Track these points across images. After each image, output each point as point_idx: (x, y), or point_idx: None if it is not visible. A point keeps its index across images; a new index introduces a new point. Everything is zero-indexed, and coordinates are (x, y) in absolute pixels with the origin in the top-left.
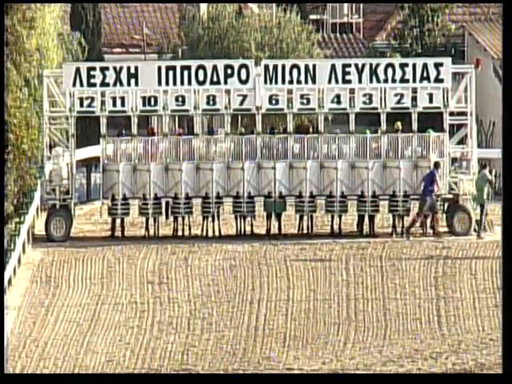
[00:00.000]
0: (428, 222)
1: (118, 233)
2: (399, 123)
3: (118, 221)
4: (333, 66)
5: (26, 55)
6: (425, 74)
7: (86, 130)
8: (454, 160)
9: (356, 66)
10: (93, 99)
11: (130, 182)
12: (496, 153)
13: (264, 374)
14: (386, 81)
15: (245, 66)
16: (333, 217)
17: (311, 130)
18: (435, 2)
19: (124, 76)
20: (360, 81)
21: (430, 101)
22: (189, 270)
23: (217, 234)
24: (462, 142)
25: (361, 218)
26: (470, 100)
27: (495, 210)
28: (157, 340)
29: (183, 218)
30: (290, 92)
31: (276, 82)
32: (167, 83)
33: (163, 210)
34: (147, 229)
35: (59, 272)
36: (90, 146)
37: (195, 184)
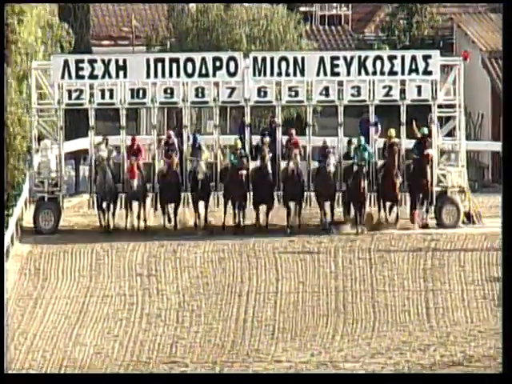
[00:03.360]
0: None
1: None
2: (393, 131)
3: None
4: (321, 59)
5: (18, 47)
6: (413, 67)
7: (75, 122)
8: (442, 152)
9: (344, 58)
10: (81, 91)
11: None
12: (484, 145)
13: (265, 373)
14: (374, 73)
15: (233, 58)
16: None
17: (295, 132)
18: (435, 3)
19: (112, 68)
20: (348, 73)
21: (419, 93)
22: (177, 262)
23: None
24: (450, 134)
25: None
26: (459, 92)
27: (483, 202)
28: (145, 332)
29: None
30: (278, 84)
31: (265, 75)
32: (156, 75)
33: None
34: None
35: (48, 264)
36: (78, 138)
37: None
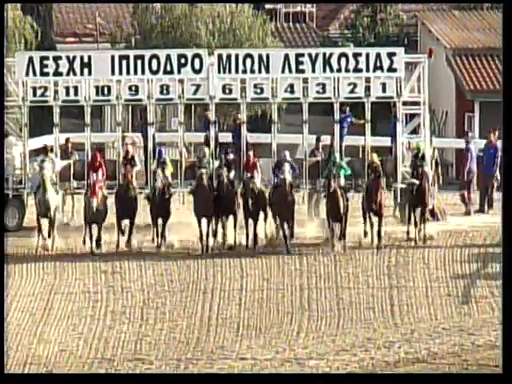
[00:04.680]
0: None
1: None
2: (375, 156)
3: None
4: (286, 56)
5: None
6: (378, 64)
7: (39, 119)
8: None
9: (309, 55)
10: (46, 89)
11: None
12: (448, 142)
13: (263, 373)
14: (339, 70)
15: (198, 55)
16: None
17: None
18: (435, 2)
19: (77, 65)
20: (313, 70)
21: (384, 90)
22: (142, 259)
23: None
24: (415, 131)
25: None
26: (423, 90)
27: (447, 199)
28: (110, 329)
29: None
30: (243, 81)
31: (229, 72)
32: (120, 73)
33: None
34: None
35: (11, 262)
36: (43, 135)
37: None
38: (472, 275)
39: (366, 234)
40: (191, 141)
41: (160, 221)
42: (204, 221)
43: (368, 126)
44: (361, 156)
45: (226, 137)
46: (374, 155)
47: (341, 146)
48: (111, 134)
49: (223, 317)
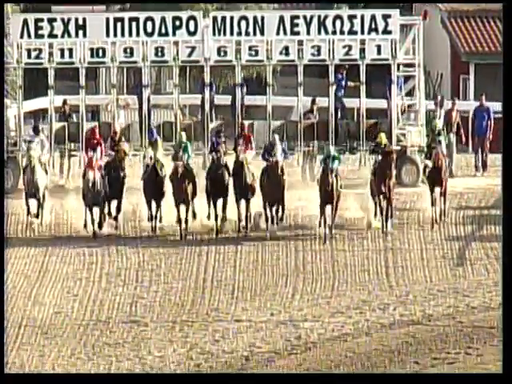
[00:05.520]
0: None
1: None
2: (383, 135)
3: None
4: (281, 18)
5: None
6: (373, 26)
7: (34, 81)
8: (402, 111)
9: (304, 17)
10: (40, 51)
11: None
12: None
13: (263, 373)
14: (334, 32)
15: (193, 17)
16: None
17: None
18: (434, 2)
19: (72, 27)
20: (308, 32)
21: (378, 52)
22: (137, 221)
23: None
24: (410, 93)
25: None
26: (418, 52)
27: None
28: (105, 292)
29: None
30: (238, 44)
31: (224, 34)
32: (115, 35)
33: None
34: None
35: (6, 223)
36: (37, 97)
37: None
38: (467, 237)
39: (375, 215)
40: (186, 103)
41: (154, 203)
42: (182, 206)
43: (363, 88)
44: (355, 118)
45: (222, 99)
46: (383, 135)
47: (336, 108)
48: (106, 97)
49: (218, 279)
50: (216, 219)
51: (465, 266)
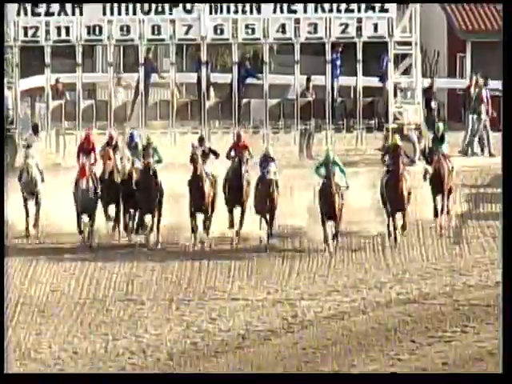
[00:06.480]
0: None
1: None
2: (397, 137)
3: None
4: None
5: None
6: (369, 4)
7: (31, 59)
8: (398, 89)
9: None
10: (37, 29)
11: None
12: (439, 82)
13: (263, 373)
14: (330, 10)
15: None
16: None
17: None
18: (435, 2)
19: (68, 5)
20: (305, 10)
21: (375, 30)
22: None
23: None
24: (406, 71)
25: None
26: (415, 30)
27: None
28: (101, 270)
29: None
30: (235, 22)
31: (221, 12)
32: (112, 13)
33: None
34: None
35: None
36: (34, 76)
37: None
38: (463, 215)
39: (389, 232)
40: (182, 81)
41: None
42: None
43: (360, 67)
44: (352, 96)
45: (218, 77)
46: (397, 137)
47: (333, 87)
48: (103, 75)
49: (215, 257)
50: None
51: (461, 244)
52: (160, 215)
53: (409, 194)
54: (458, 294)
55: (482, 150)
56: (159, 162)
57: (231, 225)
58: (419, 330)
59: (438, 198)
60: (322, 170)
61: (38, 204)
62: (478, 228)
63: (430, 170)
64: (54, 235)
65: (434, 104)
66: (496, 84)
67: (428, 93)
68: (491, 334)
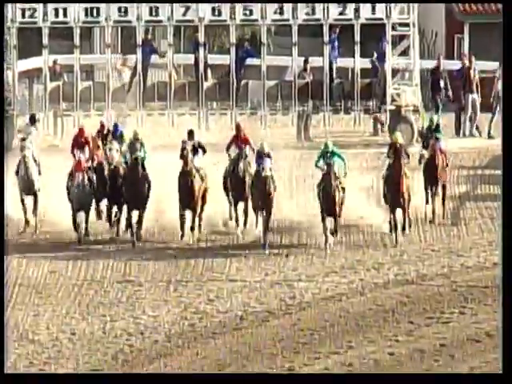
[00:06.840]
0: None
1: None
2: (398, 134)
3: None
4: None
5: None
6: None
7: (28, 41)
8: (396, 71)
9: None
10: (35, 10)
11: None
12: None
13: (263, 373)
14: None
15: None
16: None
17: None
18: (436, 3)
19: None
20: None
21: (373, 12)
22: None
23: None
24: (404, 53)
25: None
26: (412, 11)
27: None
28: (99, 252)
29: None
30: (232, 3)
31: None
32: None
33: None
34: None
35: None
36: (32, 57)
37: None
38: (461, 197)
39: (390, 229)
40: (180, 62)
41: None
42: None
43: (357, 48)
44: (350, 78)
45: (216, 59)
46: (398, 134)
47: (331, 68)
48: (100, 56)
49: (212, 239)
50: None
51: (459, 225)
52: (144, 210)
53: (409, 195)
54: (455, 275)
55: (478, 129)
56: (144, 158)
57: (236, 221)
58: (417, 311)
59: (431, 189)
60: (322, 163)
61: (35, 196)
62: (476, 209)
63: (426, 154)
64: (52, 224)
65: (442, 83)
66: (492, 65)
67: (435, 73)
68: (489, 315)
